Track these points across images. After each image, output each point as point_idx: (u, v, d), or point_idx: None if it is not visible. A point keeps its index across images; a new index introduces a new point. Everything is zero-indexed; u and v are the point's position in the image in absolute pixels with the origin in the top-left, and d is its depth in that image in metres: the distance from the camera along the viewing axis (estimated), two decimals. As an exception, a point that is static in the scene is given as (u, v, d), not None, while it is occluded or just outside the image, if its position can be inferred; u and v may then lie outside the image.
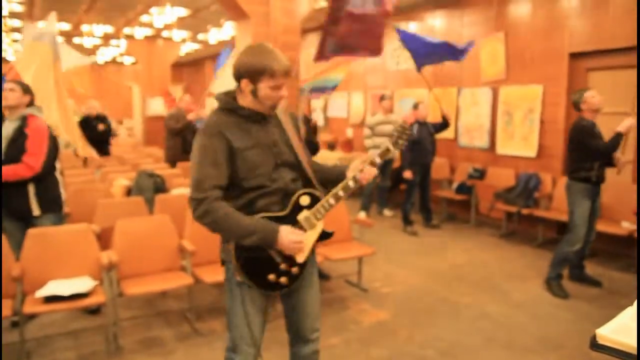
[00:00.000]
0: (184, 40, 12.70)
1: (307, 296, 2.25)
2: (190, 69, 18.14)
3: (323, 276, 4.69)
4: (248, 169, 2.01)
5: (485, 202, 6.57)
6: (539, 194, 6.05)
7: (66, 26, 11.18)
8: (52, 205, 3.73)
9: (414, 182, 6.59)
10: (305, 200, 2.10)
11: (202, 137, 2.01)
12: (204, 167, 1.97)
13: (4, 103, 3.58)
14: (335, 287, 4.62)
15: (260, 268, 2.07)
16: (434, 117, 6.95)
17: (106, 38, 12.45)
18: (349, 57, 4.94)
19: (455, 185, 7.18)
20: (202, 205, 1.94)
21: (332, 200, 2.11)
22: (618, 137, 4.08)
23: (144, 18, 10.01)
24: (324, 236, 2.16)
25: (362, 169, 2.12)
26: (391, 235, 6.53)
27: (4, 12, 9.71)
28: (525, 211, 5.98)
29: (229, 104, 2.07)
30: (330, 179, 2.24)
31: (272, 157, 2.07)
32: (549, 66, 6.19)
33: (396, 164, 7.44)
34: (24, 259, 3.35)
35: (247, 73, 2.00)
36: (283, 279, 2.10)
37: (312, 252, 2.18)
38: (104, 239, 3.91)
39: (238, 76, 2.03)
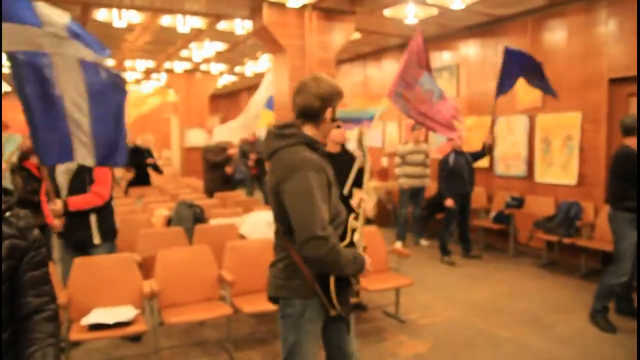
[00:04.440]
0: (221, 73, 13.07)
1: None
2: (227, 100, 18.58)
3: (361, 307, 4.66)
4: (332, 204, 2.06)
5: (524, 231, 6.44)
6: (581, 223, 5.88)
7: (111, 62, 11.71)
8: (110, 234, 3.94)
9: (453, 211, 6.53)
10: (354, 224, 2.21)
11: (312, 174, 1.97)
12: (320, 205, 1.95)
13: None
14: (373, 318, 4.57)
15: (346, 294, 2.14)
16: (474, 146, 6.86)
17: (147, 72, 12.94)
18: (427, 126, 5.02)
19: (492, 214, 7.05)
20: (328, 243, 1.93)
21: (363, 223, 2.26)
22: None
23: (184, 53, 10.38)
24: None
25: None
26: (428, 265, 6.44)
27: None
28: (566, 240, 5.81)
29: (309, 139, 2.09)
30: None
31: (338, 191, 2.18)
32: (588, 92, 6.10)
33: (430, 193, 7.39)
34: (70, 286, 3.47)
35: (334, 99, 2.08)
36: (355, 299, 2.22)
37: None
38: (145, 268, 4.01)
39: (325, 106, 2.07)
